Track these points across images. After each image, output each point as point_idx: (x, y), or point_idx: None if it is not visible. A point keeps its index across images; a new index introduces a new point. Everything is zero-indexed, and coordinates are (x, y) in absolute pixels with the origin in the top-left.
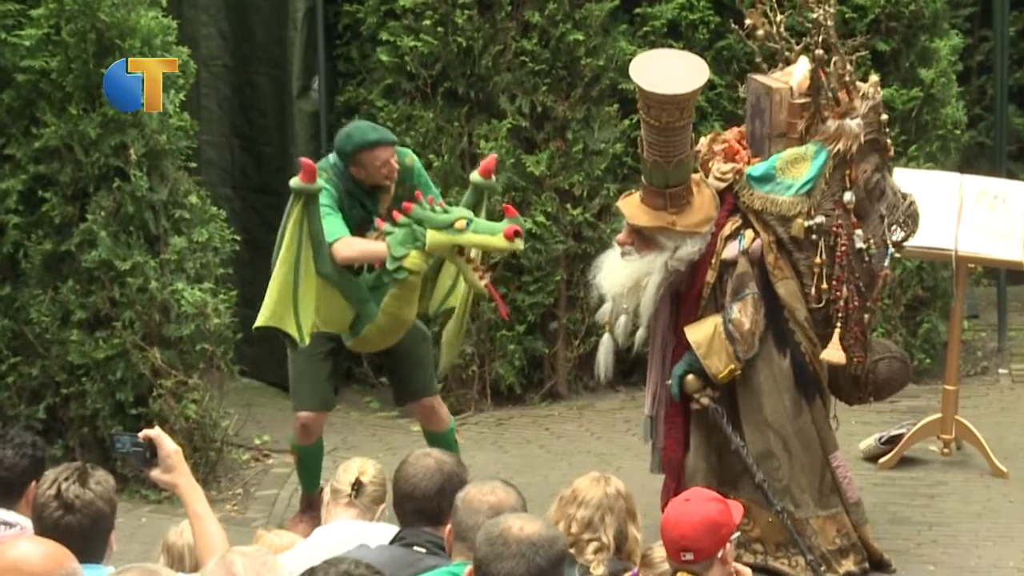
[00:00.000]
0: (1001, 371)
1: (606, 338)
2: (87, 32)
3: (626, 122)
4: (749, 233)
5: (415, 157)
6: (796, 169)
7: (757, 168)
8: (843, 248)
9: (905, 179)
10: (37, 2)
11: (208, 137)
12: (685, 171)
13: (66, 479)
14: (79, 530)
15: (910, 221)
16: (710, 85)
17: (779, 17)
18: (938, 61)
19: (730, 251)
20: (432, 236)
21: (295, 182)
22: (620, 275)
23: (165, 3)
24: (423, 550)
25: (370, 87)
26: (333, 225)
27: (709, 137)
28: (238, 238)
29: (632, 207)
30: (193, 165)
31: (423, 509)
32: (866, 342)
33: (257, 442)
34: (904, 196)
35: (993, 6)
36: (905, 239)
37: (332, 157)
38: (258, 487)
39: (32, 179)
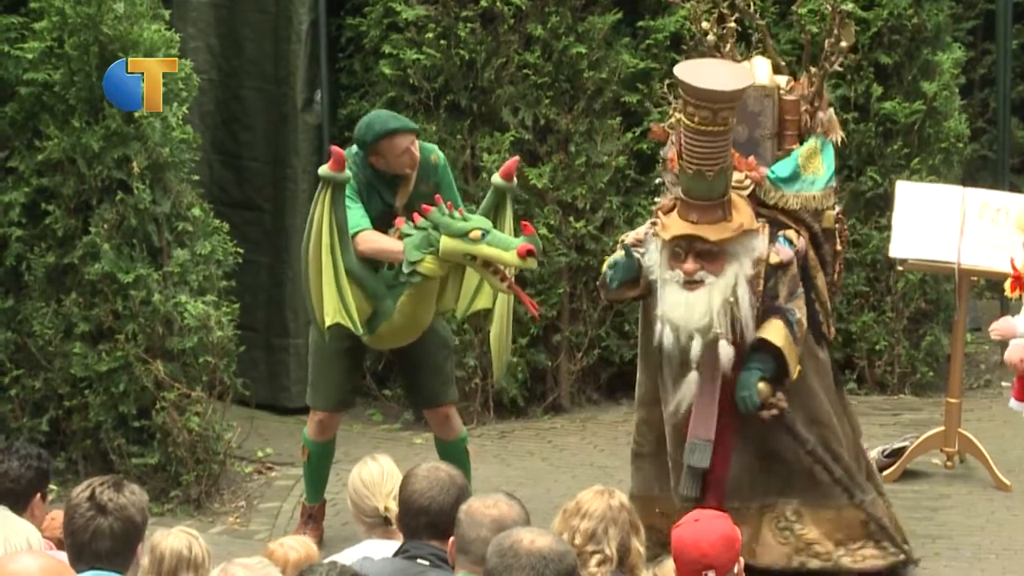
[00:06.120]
0: (1004, 384)
1: (693, 375)
2: (90, 45)
3: (629, 135)
4: (791, 233)
5: (442, 155)
6: (813, 163)
7: (783, 169)
8: (845, 232)
9: (908, 192)
10: (40, 15)
11: None
12: (727, 180)
13: (101, 484)
14: (109, 533)
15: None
16: None
17: (730, 24)
18: (941, 74)
19: (782, 254)
20: (446, 242)
21: (323, 170)
22: (700, 303)
23: (168, 16)
24: (426, 563)
25: (373, 100)
26: (355, 216)
27: None
28: (241, 251)
29: (703, 230)
30: (196, 178)
31: (437, 523)
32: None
33: (260, 455)
34: None
35: (996, 19)
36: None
37: (354, 148)
38: (261, 500)
39: (35, 192)
